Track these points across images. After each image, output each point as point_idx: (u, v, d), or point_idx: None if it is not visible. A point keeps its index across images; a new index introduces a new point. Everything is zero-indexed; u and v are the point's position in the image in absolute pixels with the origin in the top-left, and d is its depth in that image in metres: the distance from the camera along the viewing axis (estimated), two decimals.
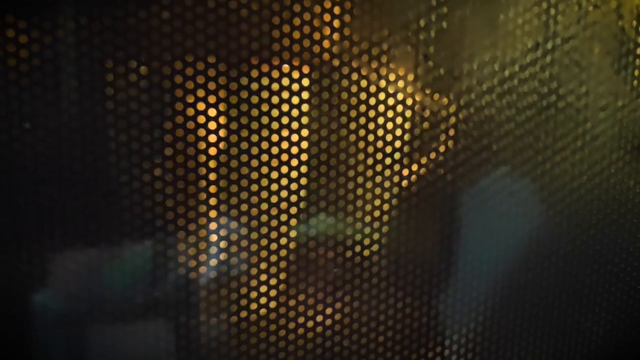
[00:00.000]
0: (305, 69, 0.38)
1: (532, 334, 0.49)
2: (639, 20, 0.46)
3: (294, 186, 0.39)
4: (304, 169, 0.39)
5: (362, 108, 0.39)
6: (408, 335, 0.44)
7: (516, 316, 0.48)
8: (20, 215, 0.35)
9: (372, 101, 0.40)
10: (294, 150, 0.38)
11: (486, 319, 0.46)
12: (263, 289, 0.39)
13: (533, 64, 0.43)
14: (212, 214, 0.38)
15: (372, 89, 0.39)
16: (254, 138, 0.38)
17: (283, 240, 0.39)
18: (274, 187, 0.38)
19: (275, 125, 0.38)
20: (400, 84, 0.40)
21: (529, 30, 0.43)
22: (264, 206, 0.38)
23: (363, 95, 0.39)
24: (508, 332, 0.47)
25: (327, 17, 0.38)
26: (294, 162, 0.39)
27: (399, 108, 0.40)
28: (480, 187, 0.44)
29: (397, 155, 0.41)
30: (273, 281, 0.40)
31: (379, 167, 0.41)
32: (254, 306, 0.40)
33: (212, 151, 0.37)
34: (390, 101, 0.40)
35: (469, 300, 0.45)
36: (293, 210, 0.39)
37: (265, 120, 0.38)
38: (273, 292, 0.40)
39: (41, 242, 0.36)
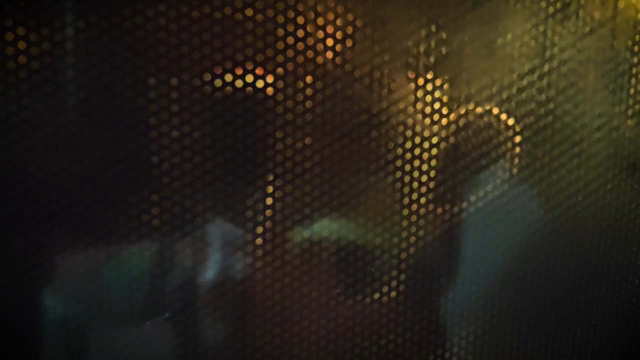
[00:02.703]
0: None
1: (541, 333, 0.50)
2: (633, 42, 0.47)
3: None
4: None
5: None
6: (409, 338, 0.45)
7: (523, 317, 0.49)
8: (24, 215, 0.35)
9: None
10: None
11: (489, 320, 0.48)
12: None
13: (530, 87, 0.44)
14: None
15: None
16: None
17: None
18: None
19: None
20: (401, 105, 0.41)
21: (526, 54, 0.44)
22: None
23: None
24: (515, 333, 0.49)
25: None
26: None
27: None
28: (485, 206, 0.45)
29: (407, 167, 0.42)
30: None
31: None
32: None
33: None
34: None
35: (474, 302, 0.47)
36: None
37: None
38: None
39: (46, 241, 0.36)
